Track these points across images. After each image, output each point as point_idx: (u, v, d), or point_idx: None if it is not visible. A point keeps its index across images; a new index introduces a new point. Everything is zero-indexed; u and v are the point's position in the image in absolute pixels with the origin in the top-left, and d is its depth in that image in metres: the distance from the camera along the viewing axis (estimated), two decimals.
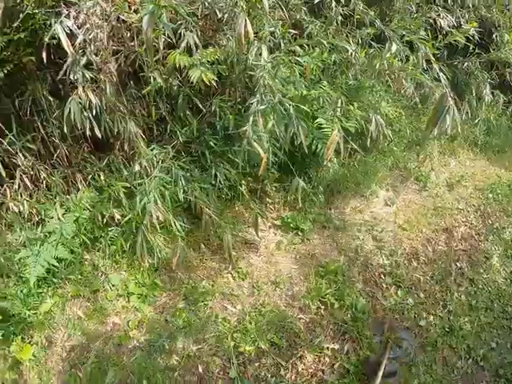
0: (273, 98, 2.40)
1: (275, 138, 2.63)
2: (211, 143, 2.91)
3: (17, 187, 2.81)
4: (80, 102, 2.51)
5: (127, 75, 2.92)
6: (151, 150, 2.75)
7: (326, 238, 3.32)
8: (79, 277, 2.82)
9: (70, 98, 2.50)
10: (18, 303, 2.88)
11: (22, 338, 2.71)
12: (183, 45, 2.55)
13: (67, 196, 2.88)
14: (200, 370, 2.66)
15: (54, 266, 2.78)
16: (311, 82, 3.13)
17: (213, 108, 2.86)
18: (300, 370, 2.85)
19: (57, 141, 2.84)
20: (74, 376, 2.68)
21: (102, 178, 2.88)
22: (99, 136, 2.62)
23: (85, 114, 2.54)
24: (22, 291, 2.81)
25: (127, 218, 2.67)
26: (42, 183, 2.88)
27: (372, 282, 3.27)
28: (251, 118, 2.36)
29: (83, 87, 2.54)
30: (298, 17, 3.18)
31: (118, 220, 2.76)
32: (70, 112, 2.48)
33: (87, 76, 2.56)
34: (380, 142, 3.66)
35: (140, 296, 2.79)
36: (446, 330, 3.12)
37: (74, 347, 2.80)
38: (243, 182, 2.94)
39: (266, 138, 2.50)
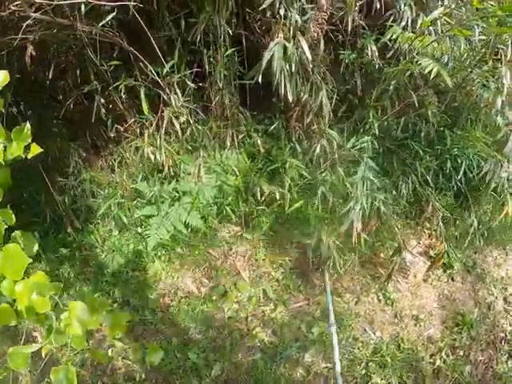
0: None
1: None
2: (415, 147, 2.37)
3: (156, 130, 2.32)
4: (285, 48, 1.96)
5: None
6: (350, 140, 2.21)
7: (467, 283, 2.89)
8: (210, 251, 2.40)
9: (276, 41, 1.94)
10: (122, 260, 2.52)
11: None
12: None
13: (212, 153, 2.38)
14: None
15: (180, 232, 2.36)
16: None
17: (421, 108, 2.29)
18: None
19: (219, 84, 2.29)
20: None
21: (259, 142, 2.36)
22: (290, 98, 2.07)
23: (285, 66, 1.98)
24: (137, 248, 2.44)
25: (296, 206, 2.17)
26: (186, 131, 2.37)
27: (491, 345, 2.96)
28: None
29: (293, 29, 1.98)
30: None
31: (274, 200, 2.27)
32: (272, 56, 1.93)
33: (297, 19, 1.98)
34: None
35: (275, 292, 2.38)
36: None
37: (177, 323, 2.47)
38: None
39: None
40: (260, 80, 2.41)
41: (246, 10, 2.38)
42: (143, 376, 2.36)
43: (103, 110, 2.41)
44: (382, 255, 2.64)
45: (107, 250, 2.51)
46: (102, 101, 2.40)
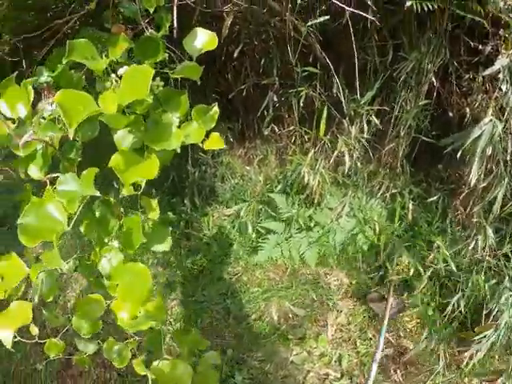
0: None
1: None
2: None
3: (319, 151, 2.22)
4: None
5: None
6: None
7: None
8: (309, 291, 2.26)
9: (489, 118, 1.74)
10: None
11: None
12: None
13: (359, 196, 2.22)
14: None
15: (292, 259, 2.23)
16: None
17: None
18: None
19: (401, 132, 2.12)
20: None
21: (410, 206, 2.13)
22: (473, 181, 1.85)
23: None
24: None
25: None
26: (345, 163, 2.24)
27: None
28: None
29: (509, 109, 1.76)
30: None
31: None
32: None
33: None
34: None
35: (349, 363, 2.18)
36: None
37: (242, 338, 2.33)
38: None
39: None
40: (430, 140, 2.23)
41: (455, 64, 2.20)
42: None
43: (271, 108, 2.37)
44: None
45: (211, 237, 2.46)
46: (275, 99, 2.35)
